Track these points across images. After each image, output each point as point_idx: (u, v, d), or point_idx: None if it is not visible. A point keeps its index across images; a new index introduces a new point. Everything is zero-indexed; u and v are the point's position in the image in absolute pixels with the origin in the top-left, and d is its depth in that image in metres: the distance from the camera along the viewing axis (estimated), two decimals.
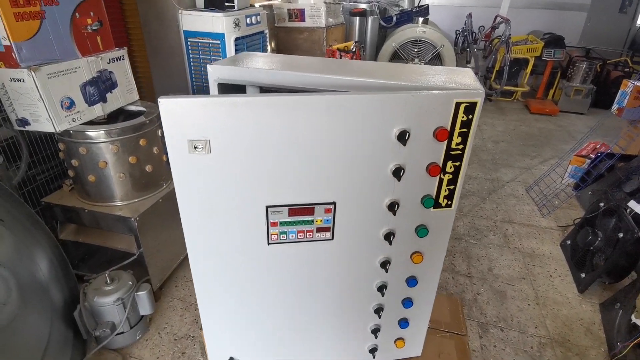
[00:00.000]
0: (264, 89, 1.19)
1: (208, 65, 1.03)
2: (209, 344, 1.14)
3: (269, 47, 3.39)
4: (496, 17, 5.61)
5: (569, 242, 2.60)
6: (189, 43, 2.80)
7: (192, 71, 2.90)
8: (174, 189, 2.05)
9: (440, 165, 0.94)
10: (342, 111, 0.84)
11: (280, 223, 0.96)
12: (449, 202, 1.01)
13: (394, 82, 0.94)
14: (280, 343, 1.19)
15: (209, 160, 0.85)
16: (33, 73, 1.53)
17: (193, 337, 1.88)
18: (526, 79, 5.42)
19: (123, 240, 2.01)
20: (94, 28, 1.85)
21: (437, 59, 4.71)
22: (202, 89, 2.94)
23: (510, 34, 4.70)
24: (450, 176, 0.97)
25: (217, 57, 2.76)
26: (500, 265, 2.45)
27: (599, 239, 2.28)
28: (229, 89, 1.11)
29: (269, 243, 0.99)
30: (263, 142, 0.85)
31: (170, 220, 2.10)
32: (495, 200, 3.21)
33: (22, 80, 1.56)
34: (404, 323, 1.21)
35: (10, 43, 1.49)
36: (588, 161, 3.26)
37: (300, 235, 0.99)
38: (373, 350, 1.26)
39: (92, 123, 1.85)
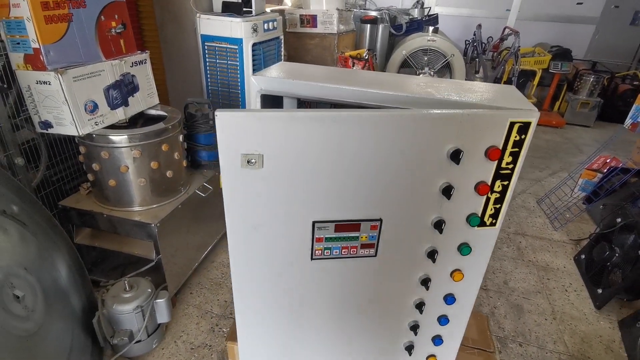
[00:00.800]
0: (302, 101, 1.18)
1: (252, 76, 1.02)
2: (242, 355, 1.12)
3: (282, 53, 3.39)
4: (505, 28, 5.65)
5: (583, 256, 2.59)
6: (206, 47, 2.80)
7: (208, 75, 2.88)
8: (192, 195, 2.05)
9: (489, 184, 0.93)
10: (397, 128, 0.82)
11: (326, 239, 0.95)
12: (494, 221, 1.00)
13: (445, 98, 0.93)
14: (314, 357, 1.17)
15: (261, 175, 0.83)
16: (60, 76, 1.52)
17: (210, 346, 1.85)
18: (533, 91, 5.45)
19: (140, 245, 1.98)
20: (117, 31, 1.83)
21: (446, 68, 4.72)
22: (217, 93, 2.93)
23: (519, 46, 4.73)
24: (498, 195, 0.96)
25: (234, 62, 2.76)
26: (516, 279, 2.44)
27: (617, 254, 2.27)
28: (267, 98, 1.10)
29: (312, 258, 0.97)
30: (314, 157, 0.84)
31: (187, 227, 2.08)
32: (507, 212, 3.20)
33: (48, 83, 1.54)
34: (438, 340, 1.19)
35: (39, 46, 1.48)
36: (599, 175, 3.27)
37: (344, 252, 0.97)
38: None
39: (112, 127, 1.83)
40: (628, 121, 3.24)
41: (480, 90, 1.03)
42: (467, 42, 5.43)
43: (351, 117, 0.79)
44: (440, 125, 0.84)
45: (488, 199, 0.96)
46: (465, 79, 4.77)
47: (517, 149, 0.90)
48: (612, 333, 2.07)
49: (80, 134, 1.66)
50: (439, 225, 0.95)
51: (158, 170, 1.86)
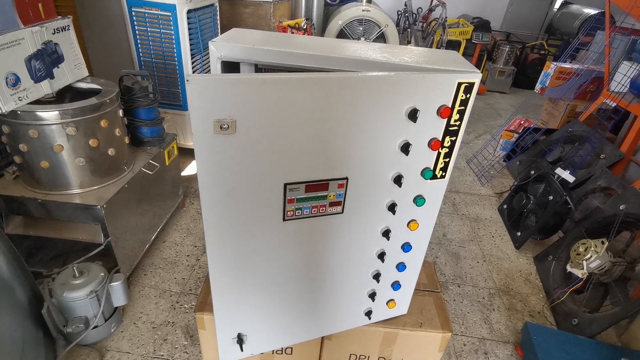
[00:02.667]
0: (259, 68, 1.18)
1: (210, 43, 1.00)
2: (218, 321, 1.15)
3: (218, 21, 3.23)
4: None
5: (505, 206, 2.96)
6: (133, 14, 2.57)
7: (139, 45, 2.67)
8: (138, 173, 1.95)
9: (441, 140, 1.04)
10: (363, 89, 0.88)
11: (297, 200, 0.99)
12: (444, 174, 1.12)
13: (402, 63, 1.00)
14: (288, 317, 1.24)
15: (234, 141, 0.84)
16: None
17: (173, 322, 1.84)
18: None
19: (85, 229, 1.86)
20: None
21: (381, 39, 4.86)
22: (150, 64, 2.73)
23: (446, 17, 5.00)
24: (447, 150, 1.07)
25: (168, 31, 2.58)
26: (452, 231, 2.73)
27: (531, 202, 2.64)
28: (225, 66, 1.08)
29: (284, 219, 1.02)
30: (284, 121, 0.87)
31: (135, 207, 1.99)
32: None
33: None
34: (396, 285, 1.33)
35: None
36: (516, 135, 3.70)
37: (315, 211, 1.03)
38: (369, 313, 1.37)
39: (38, 102, 1.65)
40: (538, 86, 3.67)
41: (429, 55, 1.12)
42: (399, 13, 5.60)
43: (320, 79, 0.83)
44: (399, 87, 0.92)
45: (439, 154, 1.08)
46: None
47: (463, 107, 1.01)
48: (529, 267, 2.45)
49: (3, 111, 1.48)
50: (398, 180, 1.05)
51: (98, 148, 1.73)
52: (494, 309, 2.12)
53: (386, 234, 1.16)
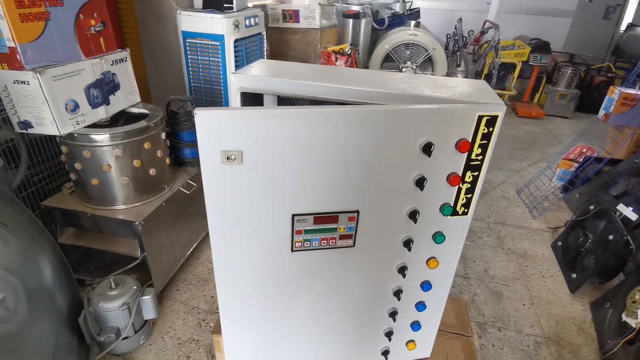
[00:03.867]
0: (282, 98, 1.21)
1: (231, 74, 1.04)
2: (226, 347, 1.15)
3: (265, 49, 3.39)
4: (485, 22, 5.74)
5: (559, 243, 2.69)
6: (187, 44, 2.78)
7: (190, 72, 2.87)
8: (176, 192, 2.06)
9: (460, 175, 0.98)
10: (371, 123, 0.86)
11: (305, 231, 0.98)
12: (466, 210, 1.05)
13: (418, 94, 0.97)
14: (297, 346, 1.21)
15: (241, 171, 0.86)
16: (39, 75, 1.50)
17: (197, 340, 1.88)
18: (513, 83, 5.57)
19: (125, 244, 1.99)
20: (97, 29, 1.82)
21: (428, 62, 4.79)
22: (199, 90, 2.92)
23: (499, 39, 4.82)
24: (469, 185, 1.01)
25: (216, 59, 2.75)
26: (495, 267, 2.53)
27: (590, 240, 2.38)
28: (247, 96, 1.12)
29: (292, 250, 1.01)
30: (292, 152, 0.87)
31: (172, 224, 2.09)
32: (487, 202, 3.30)
33: (26, 83, 1.52)
34: (416, 326, 1.25)
35: (15, 45, 1.46)
36: (576, 165, 3.38)
37: (324, 243, 1.01)
38: (385, 353, 1.29)
39: (94, 126, 1.83)
40: (601, 112, 3.36)
41: (451, 85, 1.07)
42: (448, 36, 5.50)
43: (325, 113, 0.83)
44: (412, 119, 0.88)
45: (460, 189, 1.01)
46: (447, 73, 4.85)
47: (485, 141, 0.95)
48: (584, 315, 2.18)
49: (62, 133, 1.65)
50: (413, 215, 1.00)
51: (141, 168, 1.86)
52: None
53: (402, 270, 1.10)
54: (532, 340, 2.01)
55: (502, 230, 2.93)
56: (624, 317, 1.79)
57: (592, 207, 2.47)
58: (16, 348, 1.25)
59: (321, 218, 0.97)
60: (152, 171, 1.91)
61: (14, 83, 1.54)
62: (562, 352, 1.95)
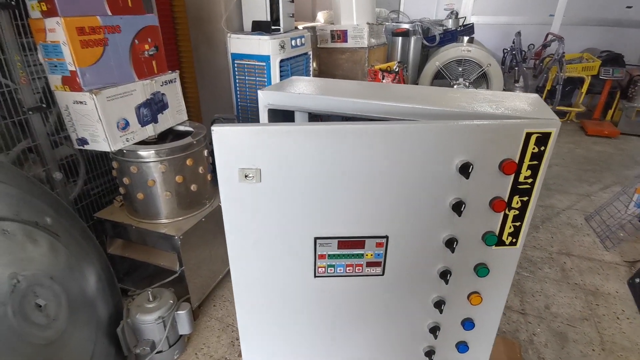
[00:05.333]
0: (313, 114, 1.17)
1: (259, 91, 1.03)
2: None
3: (311, 68, 3.43)
4: (548, 34, 5.37)
5: (638, 280, 2.33)
6: (235, 65, 2.89)
7: (238, 92, 2.97)
8: (216, 208, 2.08)
9: (506, 200, 0.86)
10: (400, 141, 0.78)
11: (329, 256, 0.91)
12: (514, 240, 0.91)
13: (455, 110, 0.87)
14: None
15: (259, 189, 0.82)
16: (94, 96, 1.62)
17: None
18: (581, 99, 5.10)
19: (166, 257, 2.04)
20: (150, 53, 1.94)
21: (483, 79, 4.55)
22: (246, 110, 3.01)
23: (563, 52, 4.46)
24: (517, 212, 0.88)
25: (262, 79, 2.82)
26: (559, 303, 2.23)
27: None
28: (278, 113, 1.09)
29: (315, 276, 0.94)
30: (315, 171, 0.82)
31: (212, 239, 2.12)
32: (549, 230, 2.98)
33: (84, 103, 1.65)
34: None
35: (76, 68, 1.59)
36: None
37: (349, 270, 0.93)
38: None
39: (143, 143, 1.92)
40: None
41: (498, 99, 0.96)
42: (505, 51, 5.21)
43: (348, 130, 0.77)
44: (446, 137, 0.79)
45: (506, 216, 0.89)
46: (504, 89, 4.57)
47: (536, 162, 0.82)
48: None
49: (112, 149, 1.75)
50: (450, 243, 0.89)
51: (183, 183, 1.91)
52: None
53: (439, 305, 0.98)
54: None
55: (568, 261, 2.61)
56: None
57: None
58: (54, 355, 1.30)
59: (346, 242, 0.90)
60: (193, 187, 1.96)
61: (74, 103, 1.67)
62: None
